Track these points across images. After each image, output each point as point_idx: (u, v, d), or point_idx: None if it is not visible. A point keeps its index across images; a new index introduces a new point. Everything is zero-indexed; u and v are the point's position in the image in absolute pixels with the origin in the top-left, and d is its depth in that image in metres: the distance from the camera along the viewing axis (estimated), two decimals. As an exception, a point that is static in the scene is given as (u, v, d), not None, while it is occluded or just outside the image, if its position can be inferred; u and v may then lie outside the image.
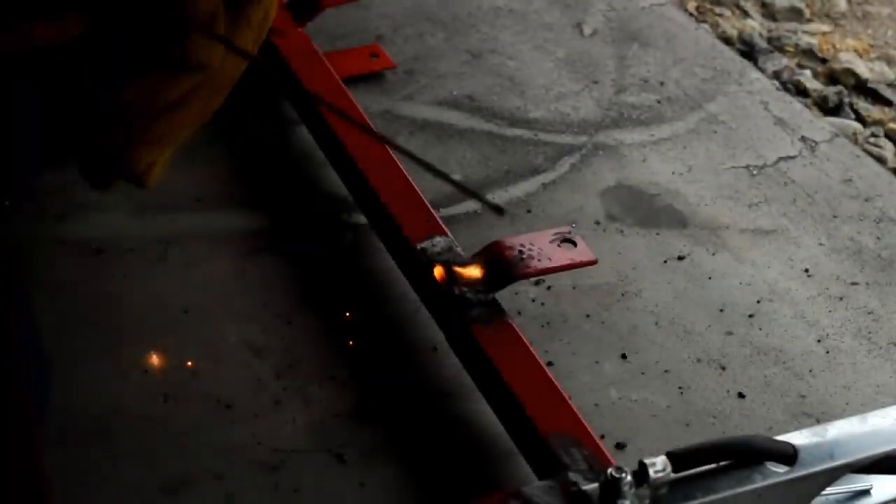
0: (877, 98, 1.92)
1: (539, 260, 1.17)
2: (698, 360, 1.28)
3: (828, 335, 1.33)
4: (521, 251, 1.17)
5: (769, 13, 2.15)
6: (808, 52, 2.02)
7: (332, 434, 1.16)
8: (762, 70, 1.91)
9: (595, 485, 0.90)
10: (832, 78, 1.97)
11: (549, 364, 1.25)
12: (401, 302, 1.31)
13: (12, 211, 1.39)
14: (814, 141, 1.66)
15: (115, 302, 1.29)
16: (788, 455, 0.92)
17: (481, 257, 1.18)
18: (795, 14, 2.14)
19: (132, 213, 1.41)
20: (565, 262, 1.18)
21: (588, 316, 1.33)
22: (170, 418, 1.16)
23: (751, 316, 1.35)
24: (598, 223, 1.47)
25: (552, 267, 1.18)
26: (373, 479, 1.12)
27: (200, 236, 1.38)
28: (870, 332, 1.34)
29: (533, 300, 1.34)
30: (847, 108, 1.88)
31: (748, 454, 0.91)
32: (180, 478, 1.11)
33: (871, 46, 2.07)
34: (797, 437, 0.94)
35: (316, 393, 1.20)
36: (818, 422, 1.22)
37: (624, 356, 1.28)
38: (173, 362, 1.22)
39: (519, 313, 1.31)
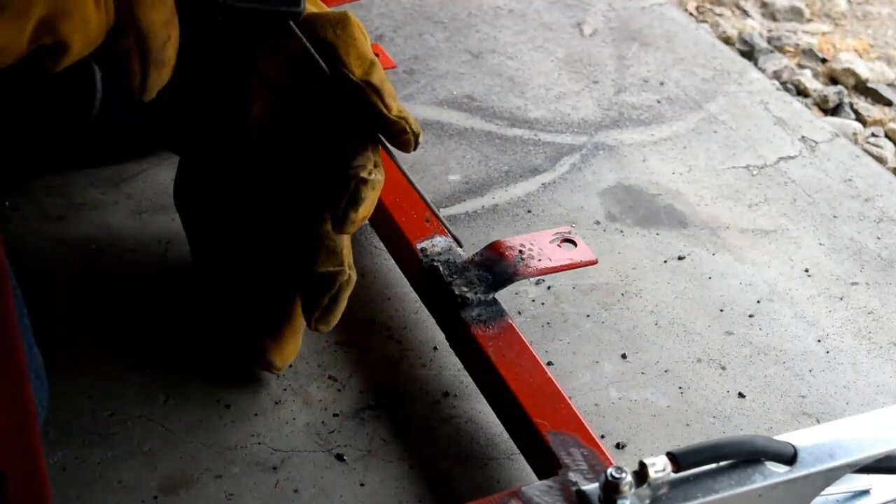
0: (877, 98, 1.92)
1: (539, 260, 1.17)
2: (698, 360, 1.28)
3: (828, 335, 1.33)
4: (521, 251, 1.17)
5: (769, 13, 2.15)
6: (808, 52, 2.02)
7: (332, 434, 1.16)
8: (762, 70, 1.91)
9: (595, 485, 0.90)
10: (832, 78, 1.97)
11: (549, 364, 1.25)
12: (401, 302, 1.32)
13: (12, 211, 1.39)
14: (814, 141, 1.66)
15: (115, 302, 1.29)
16: (788, 455, 0.92)
17: (481, 257, 1.18)
18: (795, 14, 2.14)
19: (132, 213, 1.41)
20: (565, 262, 1.18)
21: (588, 316, 1.33)
22: (170, 418, 1.16)
23: (751, 316, 1.35)
24: (598, 223, 1.47)
25: (552, 267, 1.18)
26: (372, 479, 1.12)
27: (200, 236, 1.38)
28: (870, 332, 1.34)
29: (533, 300, 1.34)
30: (847, 108, 1.88)
31: (748, 454, 0.91)
32: (180, 478, 1.11)
33: (871, 46, 2.07)
34: (797, 437, 0.93)
35: (316, 393, 1.20)
36: (818, 422, 1.22)
37: (624, 356, 1.28)
38: (173, 362, 1.22)
39: (519, 313, 1.31)
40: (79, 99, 1.19)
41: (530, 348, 1.11)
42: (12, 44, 0.85)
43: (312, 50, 1.07)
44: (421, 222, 1.24)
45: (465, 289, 1.15)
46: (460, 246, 1.19)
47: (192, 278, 1.31)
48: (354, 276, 1.11)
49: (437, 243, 1.21)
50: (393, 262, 1.30)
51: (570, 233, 1.21)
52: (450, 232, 1.18)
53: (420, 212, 1.25)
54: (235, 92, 1.12)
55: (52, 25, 0.86)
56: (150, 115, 1.04)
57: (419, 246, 1.21)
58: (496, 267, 1.16)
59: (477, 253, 1.19)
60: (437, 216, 1.18)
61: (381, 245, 1.33)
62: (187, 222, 1.26)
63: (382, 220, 1.28)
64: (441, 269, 1.17)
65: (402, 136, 1.08)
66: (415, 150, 1.10)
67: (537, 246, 1.19)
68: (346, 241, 1.12)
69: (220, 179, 1.19)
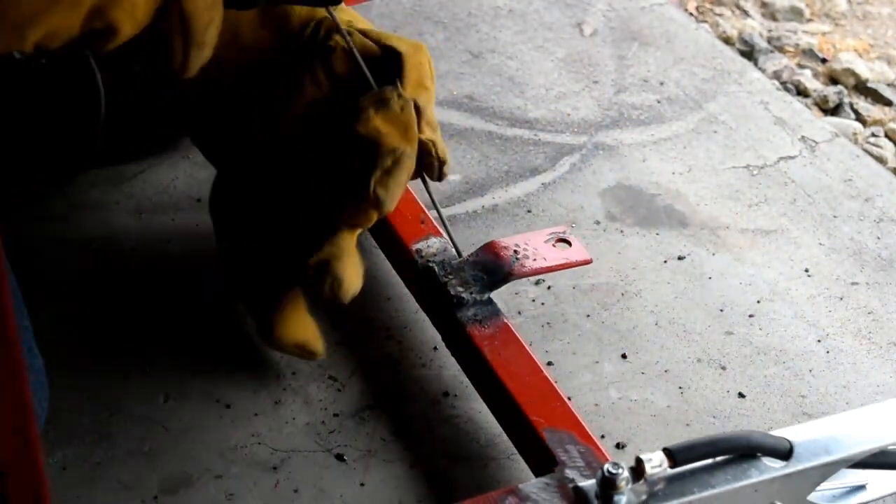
0: (877, 98, 1.92)
1: (534, 260, 1.18)
2: (698, 360, 1.28)
3: (828, 335, 1.33)
4: (516, 251, 1.18)
5: (769, 13, 2.15)
6: (808, 52, 2.02)
7: (332, 434, 1.16)
8: (762, 70, 1.91)
9: (591, 481, 0.90)
10: (832, 78, 1.97)
11: (549, 364, 1.25)
12: (401, 302, 1.32)
13: (12, 211, 1.40)
14: (814, 141, 1.66)
15: (115, 302, 1.29)
16: (784, 450, 0.92)
17: (476, 257, 1.18)
18: (795, 14, 2.14)
19: (132, 213, 1.41)
20: (560, 261, 1.19)
21: (588, 316, 1.33)
22: (170, 418, 1.16)
23: (751, 316, 1.35)
24: (598, 223, 1.47)
25: (547, 267, 1.18)
26: (373, 478, 1.12)
27: (200, 236, 1.38)
28: (870, 332, 1.34)
29: (533, 300, 1.34)
30: (847, 108, 1.88)
31: (744, 449, 0.91)
32: (180, 478, 1.11)
33: (871, 46, 2.07)
34: (793, 433, 0.94)
35: (316, 393, 1.21)
36: (818, 421, 1.22)
37: (624, 356, 1.28)
38: (173, 362, 1.22)
39: (519, 313, 1.32)
40: (85, 100, 1.20)
41: (526, 347, 1.12)
42: (64, 28, 0.87)
43: (360, 59, 1.11)
44: (416, 223, 1.24)
45: (460, 289, 1.15)
46: (459, 254, 1.19)
47: (202, 279, 1.32)
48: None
49: (432, 244, 1.21)
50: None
51: (564, 233, 1.22)
52: (449, 236, 1.19)
53: (415, 213, 1.25)
54: (277, 88, 1.14)
55: (103, 12, 0.88)
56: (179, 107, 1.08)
57: (414, 247, 1.21)
58: (491, 267, 1.17)
59: (472, 253, 1.19)
60: (442, 221, 1.19)
61: (381, 245, 1.34)
62: (219, 223, 1.26)
63: (378, 222, 1.28)
64: (436, 269, 1.17)
65: (427, 157, 1.11)
66: (439, 179, 1.14)
67: (532, 246, 1.19)
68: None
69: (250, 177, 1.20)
